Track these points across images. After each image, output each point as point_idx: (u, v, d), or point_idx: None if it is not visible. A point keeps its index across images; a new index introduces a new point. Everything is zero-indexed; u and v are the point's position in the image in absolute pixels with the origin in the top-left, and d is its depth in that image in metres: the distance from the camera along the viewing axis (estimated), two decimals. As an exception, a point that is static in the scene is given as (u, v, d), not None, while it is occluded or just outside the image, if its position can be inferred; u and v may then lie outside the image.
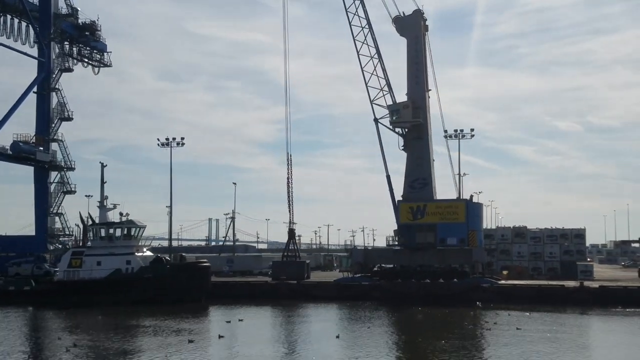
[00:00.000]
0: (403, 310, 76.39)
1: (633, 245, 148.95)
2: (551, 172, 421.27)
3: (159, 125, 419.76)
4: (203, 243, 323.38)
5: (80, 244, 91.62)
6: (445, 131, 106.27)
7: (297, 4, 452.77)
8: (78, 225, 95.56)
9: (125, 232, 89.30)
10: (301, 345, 53.34)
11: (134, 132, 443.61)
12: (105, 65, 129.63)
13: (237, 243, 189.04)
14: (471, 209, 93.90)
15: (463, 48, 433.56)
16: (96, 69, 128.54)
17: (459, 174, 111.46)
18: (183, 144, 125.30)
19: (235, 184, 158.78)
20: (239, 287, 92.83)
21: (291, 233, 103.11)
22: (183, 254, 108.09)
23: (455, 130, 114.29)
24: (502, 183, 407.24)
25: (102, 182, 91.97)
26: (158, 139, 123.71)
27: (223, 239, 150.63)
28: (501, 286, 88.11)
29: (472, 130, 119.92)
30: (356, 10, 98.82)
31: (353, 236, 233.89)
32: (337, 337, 54.60)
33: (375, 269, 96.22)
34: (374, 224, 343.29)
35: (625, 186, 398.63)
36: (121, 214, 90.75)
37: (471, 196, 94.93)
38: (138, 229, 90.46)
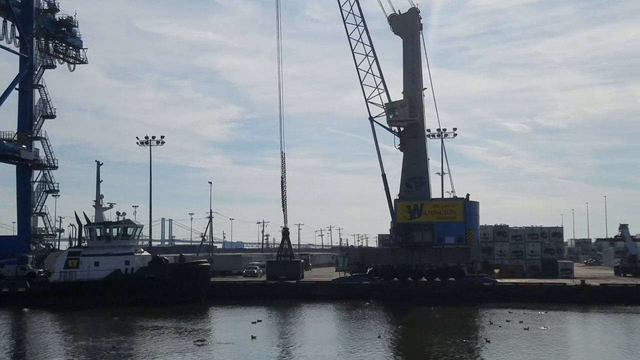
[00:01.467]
0: (416, 310, 76.28)
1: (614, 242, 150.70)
2: (500, 172, 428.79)
3: (110, 124, 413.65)
4: (157, 243, 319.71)
5: (76, 244, 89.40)
6: (428, 130, 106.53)
7: (250, 3, 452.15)
8: (73, 225, 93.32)
9: (123, 231, 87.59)
10: (351, 345, 52.50)
11: (83, 131, 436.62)
12: (81, 62, 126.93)
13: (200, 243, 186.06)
14: (468, 208, 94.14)
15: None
16: (72, 66, 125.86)
17: (442, 173, 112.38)
18: (163, 142, 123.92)
19: (210, 182, 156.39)
20: (237, 288, 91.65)
21: (285, 233, 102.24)
22: (183, 254, 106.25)
23: (438, 129, 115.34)
24: (455, 183, 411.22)
25: (98, 181, 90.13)
26: (137, 138, 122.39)
27: (201, 238, 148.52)
28: (503, 285, 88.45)
29: (454, 129, 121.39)
30: (351, 8, 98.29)
31: (321, 235, 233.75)
32: (379, 337, 54.19)
33: (370, 268, 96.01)
34: (339, 224, 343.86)
35: (570, 186, 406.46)
36: (118, 213, 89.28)
37: (467, 195, 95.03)
38: (136, 228, 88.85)
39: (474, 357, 46.56)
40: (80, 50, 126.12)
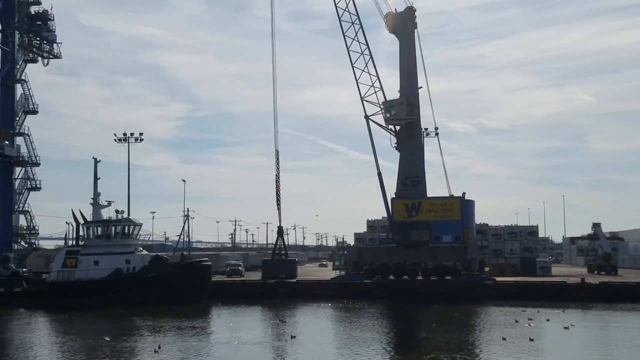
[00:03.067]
0: (428, 308, 76.35)
1: (582, 240, 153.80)
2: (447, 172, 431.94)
3: (51, 121, 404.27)
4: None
5: (74, 243, 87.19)
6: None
7: (195, 0, 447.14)
8: (70, 223, 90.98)
9: (123, 230, 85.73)
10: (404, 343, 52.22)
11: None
12: (55, 57, 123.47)
13: (154, 242, 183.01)
14: (465, 207, 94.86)
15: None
16: (46, 61, 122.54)
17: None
18: (141, 140, 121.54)
19: (184, 181, 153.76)
20: (236, 287, 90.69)
21: (280, 231, 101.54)
22: (184, 252, 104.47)
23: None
24: (394, 183, 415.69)
25: (96, 179, 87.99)
26: (115, 134, 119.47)
27: (178, 237, 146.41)
28: (503, 283, 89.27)
29: (436, 128, 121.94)
30: (346, 6, 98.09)
31: (287, 234, 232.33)
32: (424, 335, 54.09)
33: (366, 267, 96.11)
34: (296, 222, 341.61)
35: (515, 185, 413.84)
36: (117, 211, 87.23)
37: (463, 193, 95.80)
38: (135, 227, 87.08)
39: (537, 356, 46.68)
40: (55, 45, 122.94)
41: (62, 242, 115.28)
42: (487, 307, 75.87)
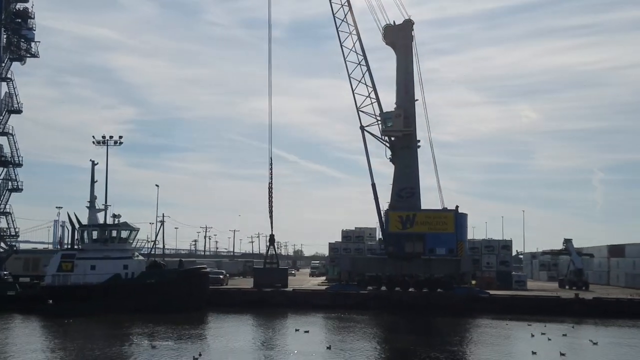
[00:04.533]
0: (431, 320, 76.97)
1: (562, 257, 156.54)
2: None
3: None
4: (49, 246, 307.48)
5: (69, 247, 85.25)
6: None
7: (148, 2, 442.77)
8: (65, 227, 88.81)
9: (120, 234, 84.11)
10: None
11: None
12: (33, 56, 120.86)
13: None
14: (458, 220, 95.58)
15: (316, 59, 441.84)
16: (23, 59, 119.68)
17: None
18: (121, 143, 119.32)
19: (157, 185, 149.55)
20: (231, 296, 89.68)
21: (271, 239, 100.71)
22: (182, 259, 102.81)
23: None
24: (349, 192, 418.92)
25: (92, 181, 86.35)
26: (93, 137, 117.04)
27: (152, 243, 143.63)
28: (498, 297, 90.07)
29: (417, 141, 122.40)
30: (345, 16, 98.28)
31: (252, 242, 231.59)
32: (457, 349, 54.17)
33: (358, 277, 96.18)
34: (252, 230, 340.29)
35: (462, 199, 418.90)
36: (114, 215, 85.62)
37: (457, 207, 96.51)
38: (132, 231, 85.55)
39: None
40: (33, 44, 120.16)
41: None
42: (490, 321, 76.17)
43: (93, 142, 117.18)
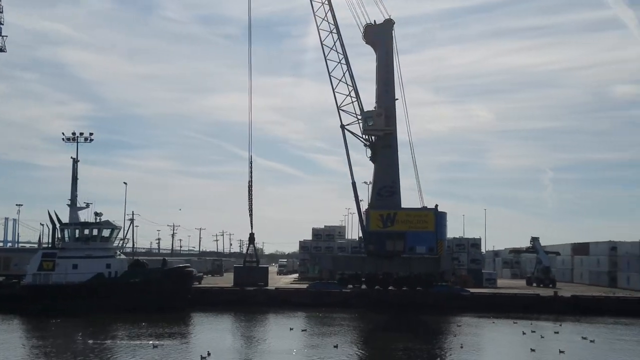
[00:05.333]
0: (416, 319, 77.39)
1: (523, 254, 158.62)
2: (350, 182, 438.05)
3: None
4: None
5: (49, 245, 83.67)
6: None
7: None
8: (46, 225, 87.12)
9: (102, 233, 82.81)
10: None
11: None
12: (1, 50, 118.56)
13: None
14: (438, 218, 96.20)
15: (273, 57, 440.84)
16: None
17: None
18: (91, 140, 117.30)
19: (125, 183, 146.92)
20: (213, 294, 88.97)
21: (251, 238, 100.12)
22: (165, 258, 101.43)
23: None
24: (305, 190, 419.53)
25: (74, 179, 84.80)
26: (63, 134, 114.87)
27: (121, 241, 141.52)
28: (479, 295, 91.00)
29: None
30: (325, 15, 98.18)
31: (216, 240, 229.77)
32: (461, 347, 54.48)
33: (338, 276, 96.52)
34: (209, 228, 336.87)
35: (416, 198, 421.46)
36: (96, 213, 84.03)
37: (436, 205, 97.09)
38: (115, 230, 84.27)
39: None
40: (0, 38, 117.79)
41: None
42: (477, 319, 76.96)
43: (63, 139, 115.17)
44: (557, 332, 64.98)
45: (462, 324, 71.74)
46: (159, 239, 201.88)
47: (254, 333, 63.84)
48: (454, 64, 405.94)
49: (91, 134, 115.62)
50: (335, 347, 52.84)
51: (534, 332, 64.77)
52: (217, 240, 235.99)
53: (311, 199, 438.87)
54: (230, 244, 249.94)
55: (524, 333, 64.05)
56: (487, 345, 58.47)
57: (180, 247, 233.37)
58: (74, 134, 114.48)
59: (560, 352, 52.50)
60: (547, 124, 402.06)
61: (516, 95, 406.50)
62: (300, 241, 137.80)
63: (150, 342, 54.43)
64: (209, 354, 47.94)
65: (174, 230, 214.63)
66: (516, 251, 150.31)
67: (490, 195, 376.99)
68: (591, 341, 58.83)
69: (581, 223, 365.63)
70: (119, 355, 49.30)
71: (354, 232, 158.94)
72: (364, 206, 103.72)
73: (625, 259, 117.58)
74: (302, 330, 62.89)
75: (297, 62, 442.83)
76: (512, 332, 66.41)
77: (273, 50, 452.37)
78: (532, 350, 53.23)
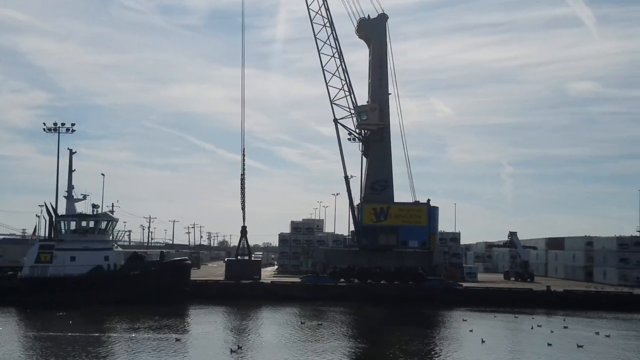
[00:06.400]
0: (416, 312, 78.16)
1: (495, 248, 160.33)
2: (314, 175, 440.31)
3: None
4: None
5: (46, 237, 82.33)
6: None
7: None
8: (43, 217, 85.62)
9: (99, 225, 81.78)
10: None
11: None
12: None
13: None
14: (430, 213, 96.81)
15: (234, 47, 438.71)
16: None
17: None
18: (73, 131, 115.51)
19: (103, 175, 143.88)
20: (211, 287, 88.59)
21: (243, 231, 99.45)
22: (163, 251, 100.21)
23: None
24: (267, 183, 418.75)
25: (70, 171, 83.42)
26: (44, 124, 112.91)
27: (118, 233, 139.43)
28: (473, 289, 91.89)
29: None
30: (319, 8, 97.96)
31: (188, 233, 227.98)
32: (482, 341, 55.02)
33: (330, 269, 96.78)
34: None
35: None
36: (94, 205, 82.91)
37: (428, 200, 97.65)
38: (112, 222, 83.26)
39: None
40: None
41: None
42: (478, 313, 77.94)
43: (44, 129, 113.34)
44: (566, 327, 65.77)
45: (467, 318, 72.24)
46: (129, 231, 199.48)
47: (270, 327, 63.42)
48: (417, 58, 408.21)
49: (73, 124, 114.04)
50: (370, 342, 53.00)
51: (540, 326, 65.74)
52: (189, 233, 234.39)
53: (275, 193, 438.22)
54: (201, 237, 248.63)
55: (532, 327, 64.83)
56: (504, 340, 58.94)
57: (152, 239, 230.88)
58: (55, 124, 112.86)
59: (579, 346, 53.21)
60: (507, 119, 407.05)
61: (477, 90, 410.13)
62: (279, 234, 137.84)
63: (174, 335, 54.06)
64: (239, 348, 47.74)
65: (149, 222, 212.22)
66: (494, 245, 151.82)
67: (453, 189, 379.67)
68: (606, 336, 59.68)
69: (540, 218, 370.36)
70: (146, 348, 49.03)
71: (329, 226, 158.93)
72: (340, 200, 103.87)
73: (601, 254, 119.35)
74: (318, 324, 62.92)
75: (261, 54, 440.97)
76: (520, 326, 67.28)
77: (235, 41, 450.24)
78: (549, 344, 53.80)
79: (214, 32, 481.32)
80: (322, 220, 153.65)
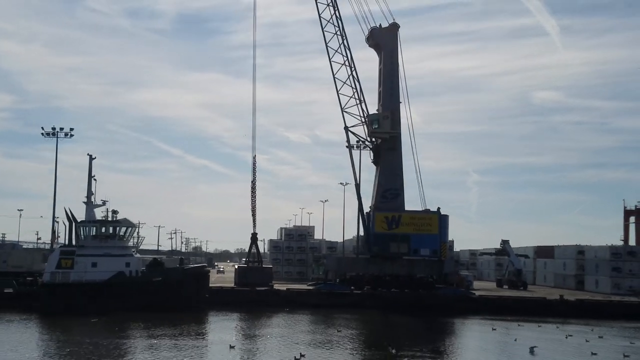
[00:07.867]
0: (439, 320, 78.52)
1: (484, 256, 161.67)
2: (281, 181, 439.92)
3: None
4: None
5: (66, 243, 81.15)
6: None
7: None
8: (63, 223, 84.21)
9: (120, 231, 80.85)
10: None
11: None
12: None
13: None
14: (442, 221, 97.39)
15: (202, 53, 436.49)
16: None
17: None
18: (72, 135, 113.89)
19: (95, 179, 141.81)
20: (225, 294, 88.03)
21: (254, 238, 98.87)
22: (182, 257, 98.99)
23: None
24: (237, 189, 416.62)
25: (90, 177, 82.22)
26: (42, 128, 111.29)
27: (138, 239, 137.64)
28: (487, 298, 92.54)
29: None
30: (331, 17, 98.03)
31: (171, 238, 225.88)
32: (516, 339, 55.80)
33: (340, 276, 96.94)
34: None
35: (345, 197, 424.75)
36: (114, 211, 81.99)
37: (438, 208, 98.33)
38: (132, 228, 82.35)
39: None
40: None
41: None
42: (502, 322, 77.84)
43: (42, 134, 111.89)
44: (601, 337, 65.92)
45: (497, 327, 72.41)
46: (143, 237, 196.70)
47: (313, 334, 63.17)
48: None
49: (71, 129, 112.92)
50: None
51: (572, 335, 66.00)
52: (171, 239, 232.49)
53: (243, 198, 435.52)
54: (182, 242, 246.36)
55: (566, 337, 65.14)
56: (552, 351, 59.31)
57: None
58: (53, 128, 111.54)
59: (625, 356, 53.63)
60: (472, 127, 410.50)
61: (442, 98, 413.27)
62: (270, 240, 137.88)
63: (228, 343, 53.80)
64: (302, 356, 47.64)
65: (138, 226, 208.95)
66: (488, 253, 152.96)
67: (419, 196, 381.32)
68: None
69: (503, 225, 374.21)
70: (206, 355, 48.87)
71: (317, 233, 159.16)
72: (328, 207, 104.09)
73: (593, 263, 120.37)
74: (338, 331, 63.58)
75: (227, 59, 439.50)
76: (552, 336, 67.30)
77: (203, 46, 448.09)
78: (594, 354, 54.30)
79: (183, 36, 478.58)
80: (313, 227, 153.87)
